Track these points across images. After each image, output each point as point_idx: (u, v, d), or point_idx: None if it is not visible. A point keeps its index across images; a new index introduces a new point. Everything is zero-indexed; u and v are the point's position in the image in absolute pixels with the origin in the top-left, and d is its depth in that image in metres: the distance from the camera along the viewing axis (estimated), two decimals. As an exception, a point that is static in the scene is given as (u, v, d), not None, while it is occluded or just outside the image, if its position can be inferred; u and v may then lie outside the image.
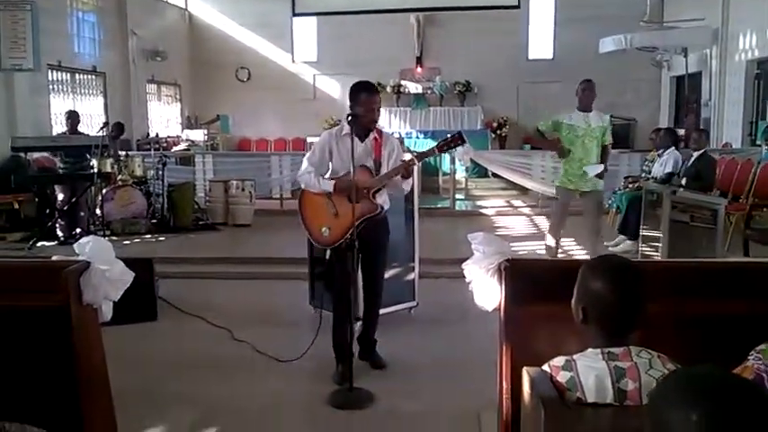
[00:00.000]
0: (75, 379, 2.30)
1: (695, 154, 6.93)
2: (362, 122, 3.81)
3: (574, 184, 5.91)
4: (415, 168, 4.92)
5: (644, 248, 6.41)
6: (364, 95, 3.83)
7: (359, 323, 4.12)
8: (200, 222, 8.86)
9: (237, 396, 3.77)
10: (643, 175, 8.11)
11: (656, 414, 1.06)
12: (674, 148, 7.45)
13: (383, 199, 3.92)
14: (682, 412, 1.01)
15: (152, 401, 3.63)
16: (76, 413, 2.31)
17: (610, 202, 8.34)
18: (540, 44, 15.66)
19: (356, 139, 3.79)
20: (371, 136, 3.91)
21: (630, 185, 7.97)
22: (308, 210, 4.00)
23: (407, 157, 4.01)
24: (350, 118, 3.71)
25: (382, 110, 15.55)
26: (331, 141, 3.93)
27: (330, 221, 3.85)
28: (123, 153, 9.07)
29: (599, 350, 1.72)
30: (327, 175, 3.92)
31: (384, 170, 3.87)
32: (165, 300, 5.35)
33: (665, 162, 7.32)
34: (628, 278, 1.75)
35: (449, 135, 3.96)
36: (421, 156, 4.03)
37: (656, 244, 6.06)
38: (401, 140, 12.12)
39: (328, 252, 4.01)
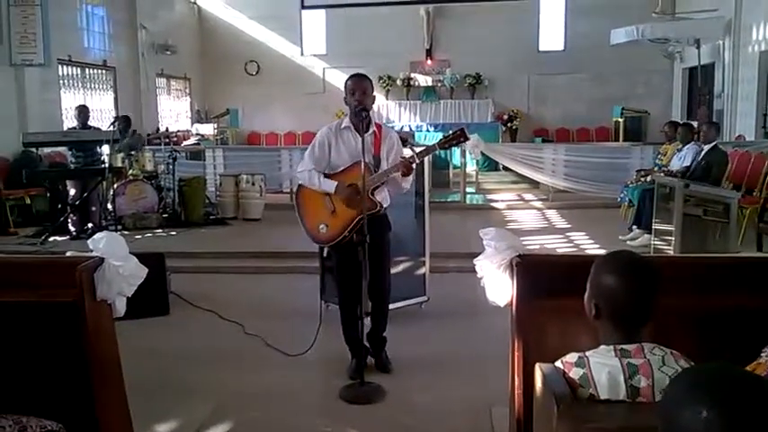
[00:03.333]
0: (89, 373, 2.32)
1: (705, 147, 6.86)
2: (353, 110, 3.73)
3: None
4: (426, 162, 4.95)
5: (656, 242, 6.37)
6: (350, 81, 3.79)
7: (369, 318, 4.09)
8: (211, 217, 8.88)
9: (249, 390, 3.78)
10: (656, 168, 8.05)
11: (667, 412, 1.06)
12: (693, 142, 7.38)
13: (382, 196, 3.83)
14: (692, 409, 1.00)
15: (165, 395, 3.66)
16: (91, 407, 2.33)
17: (622, 195, 8.29)
18: (551, 36, 15.56)
19: (356, 135, 3.73)
20: (370, 130, 3.81)
21: (642, 179, 7.91)
22: (305, 206, 3.94)
23: (408, 153, 3.89)
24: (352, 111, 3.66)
25: (393, 103, 15.35)
26: (329, 136, 3.87)
27: (327, 219, 3.81)
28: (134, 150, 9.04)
29: (612, 347, 1.72)
30: (327, 169, 3.86)
31: (384, 166, 3.79)
32: (176, 294, 5.38)
33: (683, 156, 7.26)
34: (640, 274, 1.74)
35: (451, 131, 3.89)
36: (421, 153, 3.90)
37: (669, 238, 6.02)
38: (412, 134, 12.11)
39: (326, 250, 3.95)
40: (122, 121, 9.03)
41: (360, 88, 3.76)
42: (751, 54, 11.06)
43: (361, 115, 3.69)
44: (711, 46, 12.25)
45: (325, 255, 3.97)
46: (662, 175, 7.10)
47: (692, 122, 9.42)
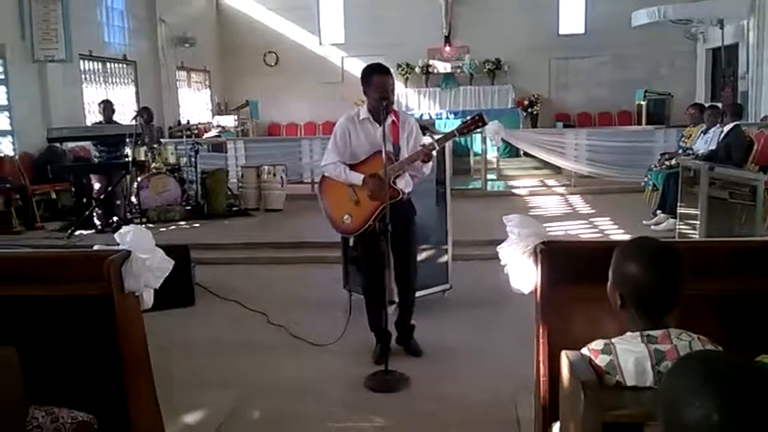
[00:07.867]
0: (118, 365, 2.36)
1: (725, 128, 6.75)
2: (377, 105, 3.73)
3: None
4: (446, 150, 4.94)
5: (681, 227, 6.29)
6: (377, 77, 3.75)
7: (393, 306, 4.11)
8: (234, 208, 8.95)
9: (275, 379, 3.82)
10: (680, 151, 7.93)
11: (664, 397, 1.05)
12: (719, 124, 7.25)
13: (404, 182, 3.87)
14: (691, 405, 0.99)
15: (193, 384, 3.71)
16: (121, 398, 2.37)
17: (645, 180, 8.19)
18: (572, 19, 15.34)
19: (374, 124, 3.75)
20: (389, 119, 3.81)
21: (667, 162, 7.80)
22: (329, 197, 3.97)
23: (427, 140, 3.91)
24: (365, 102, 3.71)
25: (412, 91, 15.30)
26: (349, 126, 3.89)
27: (351, 209, 3.84)
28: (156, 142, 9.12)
29: (638, 333, 1.70)
30: (348, 159, 3.89)
31: (404, 153, 3.81)
32: (201, 285, 5.44)
33: (710, 139, 7.14)
34: (664, 260, 1.71)
35: (468, 117, 3.89)
36: (441, 140, 3.92)
37: (694, 222, 5.94)
38: (432, 122, 12.05)
39: (351, 239, 3.99)
40: (144, 113, 9.10)
41: (389, 86, 3.78)
42: (776, 33, 10.83)
43: (382, 105, 3.70)
44: (735, 26, 12.01)
45: (351, 244, 4.00)
46: (686, 158, 7.00)
47: (718, 104, 9.26)
